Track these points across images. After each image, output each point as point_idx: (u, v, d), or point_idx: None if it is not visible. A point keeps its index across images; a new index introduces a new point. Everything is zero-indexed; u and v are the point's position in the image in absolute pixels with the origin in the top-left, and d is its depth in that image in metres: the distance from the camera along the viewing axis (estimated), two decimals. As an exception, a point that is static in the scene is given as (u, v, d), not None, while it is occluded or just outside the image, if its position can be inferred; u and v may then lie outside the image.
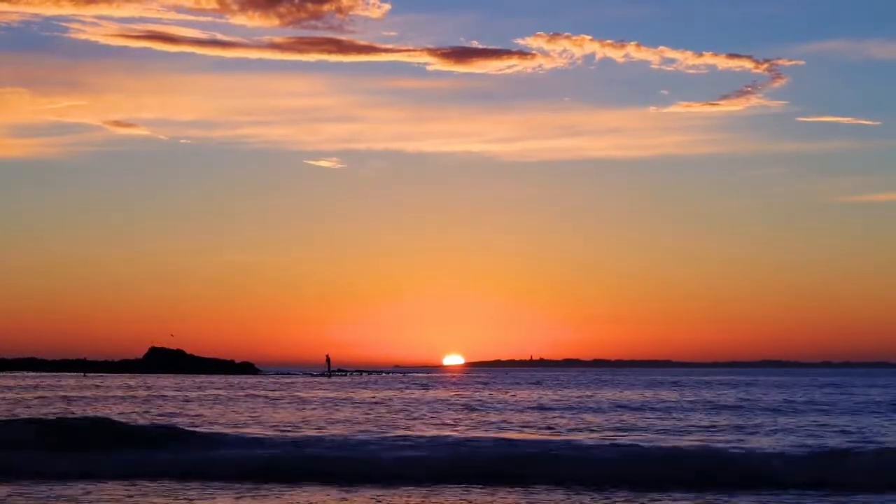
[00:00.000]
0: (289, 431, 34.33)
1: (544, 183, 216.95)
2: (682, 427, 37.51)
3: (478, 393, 71.37)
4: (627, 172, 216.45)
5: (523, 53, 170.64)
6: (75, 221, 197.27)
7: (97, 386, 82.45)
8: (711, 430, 36.18)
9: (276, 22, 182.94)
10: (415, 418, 42.56)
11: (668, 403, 54.84)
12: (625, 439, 30.93)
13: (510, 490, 22.54)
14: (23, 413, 43.35)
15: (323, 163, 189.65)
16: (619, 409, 49.98)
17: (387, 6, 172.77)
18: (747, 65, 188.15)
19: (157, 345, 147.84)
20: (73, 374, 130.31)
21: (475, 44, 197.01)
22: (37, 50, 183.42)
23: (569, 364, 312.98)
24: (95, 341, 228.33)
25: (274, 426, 37.08)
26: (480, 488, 22.84)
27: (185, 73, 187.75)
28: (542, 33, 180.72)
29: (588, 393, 70.82)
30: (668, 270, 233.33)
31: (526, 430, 36.42)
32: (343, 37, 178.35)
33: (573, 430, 36.12)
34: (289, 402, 55.95)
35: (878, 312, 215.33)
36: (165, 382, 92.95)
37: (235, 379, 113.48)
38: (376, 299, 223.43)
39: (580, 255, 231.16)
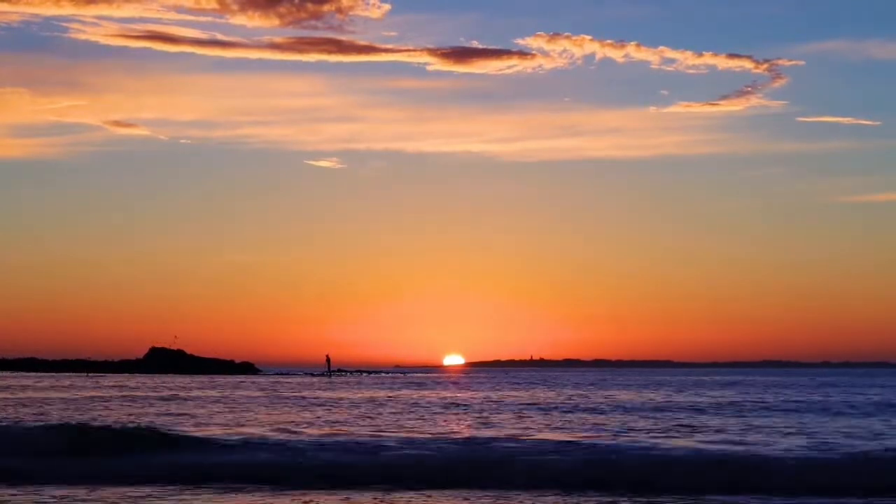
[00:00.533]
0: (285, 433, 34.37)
1: (544, 183, 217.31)
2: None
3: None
4: (627, 172, 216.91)
5: (523, 53, 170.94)
6: (75, 221, 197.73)
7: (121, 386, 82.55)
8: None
9: (275, 22, 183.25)
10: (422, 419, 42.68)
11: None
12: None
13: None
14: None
15: (323, 163, 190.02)
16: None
17: (387, 6, 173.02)
18: (747, 65, 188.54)
19: (158, 345, 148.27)
20: (76, 374, 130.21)
21: (475, 44, 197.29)
22: (37, 50, 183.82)
23: (569, 364, 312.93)
24: (95, 341, 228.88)
25: (273, 427, 37.11)
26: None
27: (185, 73, 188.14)
28: (542, 33, 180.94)
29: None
30: (668, 270, 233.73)
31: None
32: (343, 37, 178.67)
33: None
34: (293, 403, 56.07)
35: (878, 312, 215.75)
36: (180, 382, 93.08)
37: (236, 379, 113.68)
38: (376, 299, 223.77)
39: (580, 255, 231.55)
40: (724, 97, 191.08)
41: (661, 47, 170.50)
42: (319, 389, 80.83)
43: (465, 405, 53.57)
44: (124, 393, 68.58)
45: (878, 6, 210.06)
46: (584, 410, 48.87)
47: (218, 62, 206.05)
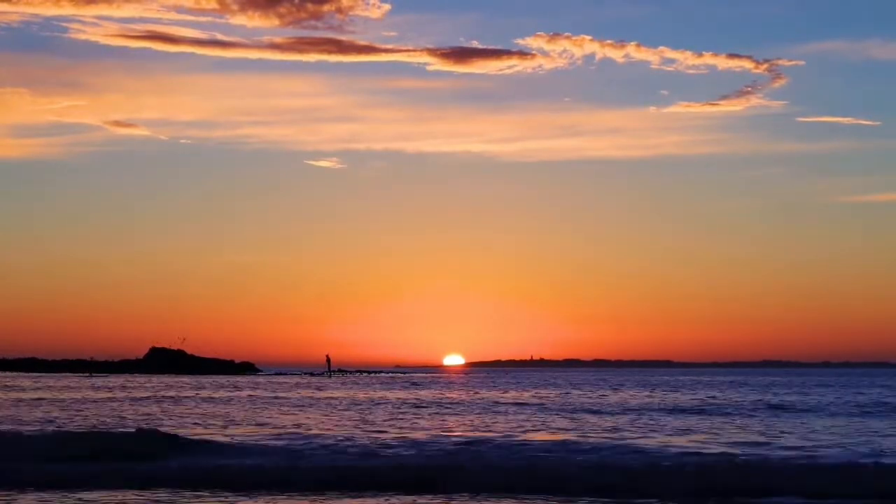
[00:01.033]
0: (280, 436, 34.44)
1: (544, 183, 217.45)
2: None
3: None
4: (627, 172, 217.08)
5: (523, 53, 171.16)
6: (75, 221, 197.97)
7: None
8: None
9: (276, 22, 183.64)
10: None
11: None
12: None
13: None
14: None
15: (323, 163, 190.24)
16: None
17: (387, 6, 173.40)
18: (747, 65, 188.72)
19: (158, 345, 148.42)
20: (78, 374, 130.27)
21: (475, 44, 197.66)
22: (37, 50, 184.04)
23: (569, 364, 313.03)
24: (96, 341, 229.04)
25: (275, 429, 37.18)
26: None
27: (185, 73, 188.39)
28: (542, 33, 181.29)
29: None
30: (668, 270, 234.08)
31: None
32: (343, 37, 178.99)
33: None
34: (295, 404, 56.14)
35: (878, 312, 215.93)
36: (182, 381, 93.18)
37: (235, 379, 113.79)
38: (376, 299, 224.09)
39: (580, 255, 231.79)
40: (724, 97, 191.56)
41: (661, 47, 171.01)
42: (318, 389, 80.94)
43: (462, 404, 53.73)
44: (127, 393, 68.72)
45: (878, 6, 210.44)
46: (584, 411, 48.96)
47: (218, 62, 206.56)
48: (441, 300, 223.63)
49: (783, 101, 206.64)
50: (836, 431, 36.40)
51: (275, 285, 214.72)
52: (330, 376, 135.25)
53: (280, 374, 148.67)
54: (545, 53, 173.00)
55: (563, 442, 30.95)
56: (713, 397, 64.89)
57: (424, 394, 71.56)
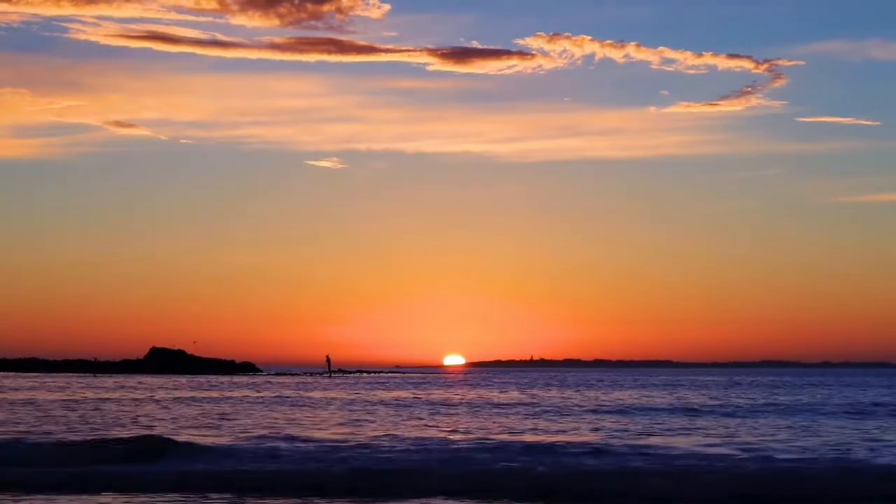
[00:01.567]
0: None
1: (544, 183, 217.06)
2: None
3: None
4: (627, 172, 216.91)
5: (523, 53, 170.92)
6: (75, 221, 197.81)
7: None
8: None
9: (276, 22, 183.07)
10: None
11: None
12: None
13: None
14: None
15: (323, 163, 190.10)
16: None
17: (387, 6, 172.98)
18: (747, 65, 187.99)
19: (159, 345, 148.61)
20: (80, 374, 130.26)
21: (475, 44, 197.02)
22: (37, 50, 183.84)
23: (569, 364, 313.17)
24: (96, 341, 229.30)
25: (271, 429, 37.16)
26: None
27: (185, 73, 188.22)
28: (542, 33, 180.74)
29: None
30: (668, 270, 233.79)
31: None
32: (343, 37, 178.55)
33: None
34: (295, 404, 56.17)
35: (878, 312, 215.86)
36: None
37: (235, 379, 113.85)
38: (376, 299, 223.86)
39: (580, 255, 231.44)
40: (724, 97, 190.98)
41: (661, 47, 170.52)
42: (318, 389, 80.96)
43: (462, 405, 53.77)
44: (127, 394, 68.72)
45: (878, 6, 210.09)
46: (585, 410, 49.01)
47: (218, 62, 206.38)
48: (441, 300, 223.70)
49: (783, 101, 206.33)
50: (837, 431, 36.41)
51: (275, 285, 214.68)
52: (330, 376, 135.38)
53: (281, 374, 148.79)
54: (545, 53, 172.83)
55: (557, 443, 30.98)
56: (714, 397, 64.93)
57: (423, 394, 71.59)
